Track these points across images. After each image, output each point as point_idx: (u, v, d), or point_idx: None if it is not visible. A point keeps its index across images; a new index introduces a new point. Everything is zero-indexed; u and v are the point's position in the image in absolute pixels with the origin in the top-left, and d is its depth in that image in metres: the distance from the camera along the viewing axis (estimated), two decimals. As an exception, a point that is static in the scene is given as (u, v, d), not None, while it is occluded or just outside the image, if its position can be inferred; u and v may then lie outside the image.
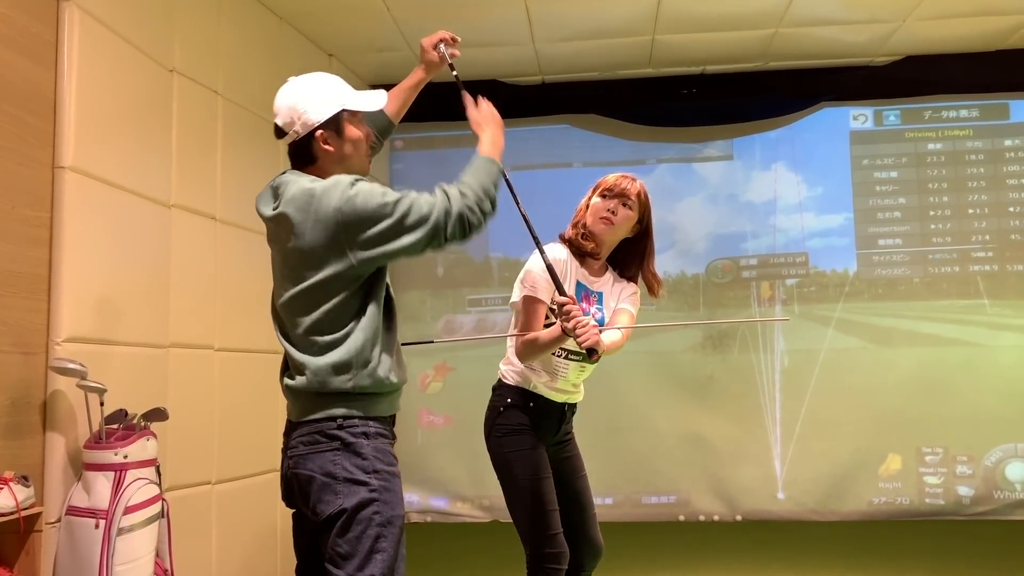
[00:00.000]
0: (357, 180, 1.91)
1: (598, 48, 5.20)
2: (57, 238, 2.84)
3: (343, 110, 2.00)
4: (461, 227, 1.91)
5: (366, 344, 1.91)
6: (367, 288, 1.95)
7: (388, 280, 2.03)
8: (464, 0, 4.44)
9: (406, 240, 1.88)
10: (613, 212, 2.59)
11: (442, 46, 2.38)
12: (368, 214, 1.87)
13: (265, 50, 4.25)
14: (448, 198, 1.92)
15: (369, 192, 1.89)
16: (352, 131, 2.02)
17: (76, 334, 2.86)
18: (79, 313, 2.88)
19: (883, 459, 5.39)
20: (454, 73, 2.36)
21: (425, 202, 1.90)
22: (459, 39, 2.41)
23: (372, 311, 1.95)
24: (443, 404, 5.71)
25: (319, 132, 1.98)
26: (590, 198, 2.68)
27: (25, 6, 2.77)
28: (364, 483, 1.88)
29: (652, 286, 2.71)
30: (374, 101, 2.07)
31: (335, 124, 1.99)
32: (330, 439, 1.90)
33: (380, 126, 2.39)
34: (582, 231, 2.63)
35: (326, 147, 1.99)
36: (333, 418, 1.90)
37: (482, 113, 2.17)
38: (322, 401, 1.91)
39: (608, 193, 2.62)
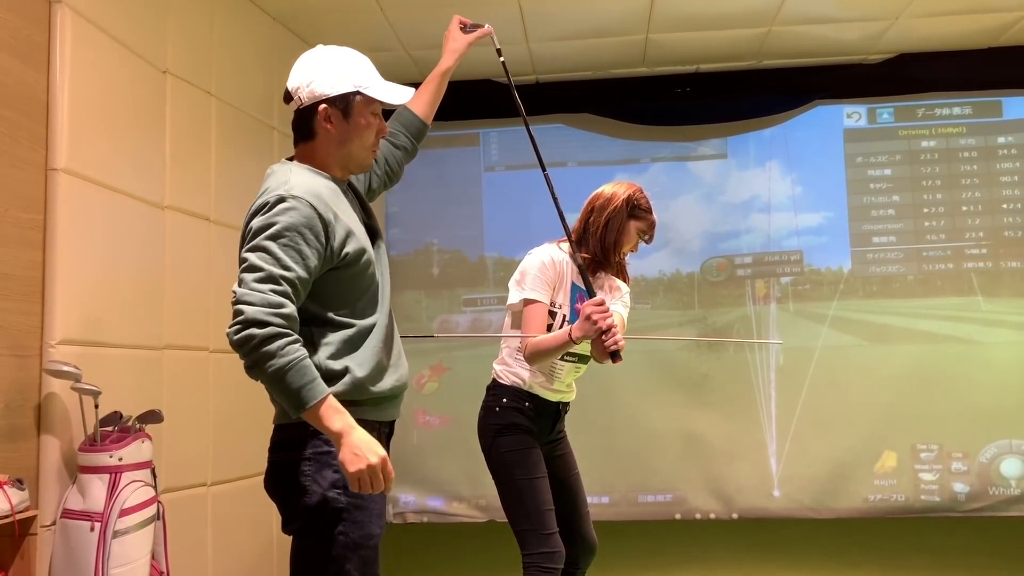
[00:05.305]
0: (289, 208, 1.71)
1: (592, 47, 5.19)
2: (50, 240, 2.83)
3: (357, 92, 1.83)
4: (240, 321, 1.77)
5: None
6: None
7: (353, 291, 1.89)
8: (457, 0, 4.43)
9: (242, 292, 1.75)
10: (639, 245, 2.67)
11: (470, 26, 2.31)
12: (252, 237, 1.73)
13: (258, 51, 4.24)
14: (266, 320, 1.74)
15: (277, 231, 1.70)
16: (361, 118, 1.85)
17: (70, 336, 2.85)
18: (73, 315, 2.88)
19: (878, 456, 5.40)
20: (501, 59, 2.32)
21: (259, 295, 1.73)
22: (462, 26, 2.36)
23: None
24: (439, 404, 5.71)
25: (323, 107, 1.82)
26: (622, 217, 2.60)
27: (16, 7, 2.75)
28: (314, 487, 1.83)
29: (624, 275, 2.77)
30: (395, 95, 1.88)
31: (343, 103, 1.83)
32: (287, 441, 1.89)
33: (412, 128, 2.29)
34: (604, 252, 2.61)
35: (327, 125, 1.83)
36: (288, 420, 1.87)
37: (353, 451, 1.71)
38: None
39: (645, 237, 2.64)
